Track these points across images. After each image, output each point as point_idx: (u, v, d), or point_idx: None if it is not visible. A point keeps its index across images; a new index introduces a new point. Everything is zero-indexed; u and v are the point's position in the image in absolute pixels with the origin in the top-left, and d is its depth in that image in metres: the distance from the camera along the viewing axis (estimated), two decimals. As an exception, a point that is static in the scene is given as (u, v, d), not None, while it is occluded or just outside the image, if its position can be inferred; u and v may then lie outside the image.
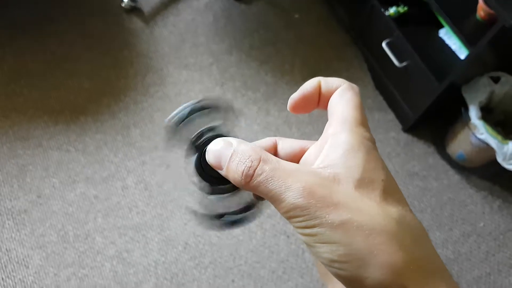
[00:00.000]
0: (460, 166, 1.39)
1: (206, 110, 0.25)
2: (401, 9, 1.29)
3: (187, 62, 1.55)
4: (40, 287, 1.12)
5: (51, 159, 1.31)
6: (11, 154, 1.30)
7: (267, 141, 0.29)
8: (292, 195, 0.20)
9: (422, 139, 1.47)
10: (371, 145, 0.23)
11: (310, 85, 0.26)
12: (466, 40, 1.08)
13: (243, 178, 0.22)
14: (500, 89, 1.27)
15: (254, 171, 0.22)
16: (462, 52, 1.24)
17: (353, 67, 1.60)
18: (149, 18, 1.64)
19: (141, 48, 1.57)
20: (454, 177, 1.42)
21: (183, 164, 0.26)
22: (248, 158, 0.22)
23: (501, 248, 1.34)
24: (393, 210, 0.21)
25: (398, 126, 1.50)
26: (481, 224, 1.36)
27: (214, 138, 0.24)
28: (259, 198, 0.27)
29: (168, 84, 1.49)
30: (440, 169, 1.43)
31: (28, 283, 1.12)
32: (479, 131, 1.22)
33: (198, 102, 0.25)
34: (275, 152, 0.28)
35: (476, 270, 1.29)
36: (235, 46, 1.61)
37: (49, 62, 1.48)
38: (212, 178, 0.25)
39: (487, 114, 1.34)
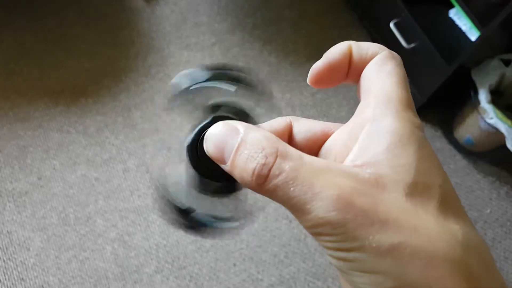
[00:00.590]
0: (468, 151, 1.36)
1: (231, 83, 0.19)
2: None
3: (189, 42, 1.51)
4: (41, 269, 1.12)
5: (52, 141, 1.30)
6: (12, 136, 1.29)
7: (280, 122, 0.22)
8: (322, 206, 0.15)
9: (429, 122, 1.44)
10: (423, 136, 0.18)
11: (338, 50, 0.20)
12: (478, 20, 1.04)
13: (254, 179, 0.17)
14: (511, 72, 1.22)
15: (270, 170, 0.16)
16: (472, 34, 1.19)
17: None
18: (150, -3, 1.60)
19: (142, 27, 1.53)
20: (461, 162, 1.39)
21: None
22: (262, 152, 0.17)
23: (508, 235, 1.32)
24: (456, 228, 0.16)
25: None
26: (488, 211, 1.34)
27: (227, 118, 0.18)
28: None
29: (170, 65, 1.46)
30: (447, 153, 1.40)
31: (29, 265, 1.12)
32: (489, 115, 1.18)
33: (223, 69, 0.18)
34: (289, 137, 0.22)
35: (480, 256, 1.28)
36: (238, 26, 1.57)
37: (48, 42, 1.46)
38: (207, 171, 0.19)
39: (497, 97, 1.30)
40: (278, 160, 0.16)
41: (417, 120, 0.18)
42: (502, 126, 1.15)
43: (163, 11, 1.57)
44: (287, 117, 0.23)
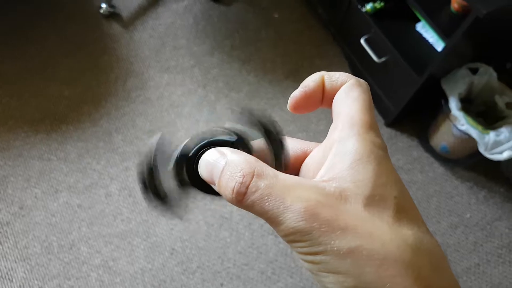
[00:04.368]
0: (444, 158, 1.40)
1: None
2: (378, 4, 1.30)
3: (168, 65, 1.54)
4: (24, 300, 1.10)
5: (33, 169, 1.29)
6: (-9, 166, 1.28)
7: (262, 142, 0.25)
8: (292, 218, 0.18)
9: (405, 132, 1.48)
10: (383, 154, 0.20)
11: (312, 81, 0.23)
12: (442, 32, 1.09)
13: (234, 196, 0.19)
14: (479, 80, 1.28)
15: (247, 188, 0.19)
16: (439, 45, 1.24)
17: (334, 64, 1.60)
18: (129, 23, 1.62)
19: (121, 53, 1.56)
20: (439, 169, 1.42)
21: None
22: (240, 172, 0.19)
23: (489, 238, 1.35)
24: (408, 234, 0.18)
25: (381, 121, 1.50)
26: (468, 215, 1.37)
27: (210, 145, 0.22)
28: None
29: (150, 88, 1.48)
30: (425, 161, 1.44)
31: (12, 296, 1.10)
32: (460, 122, 1.22)
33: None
34: None
35: (465, 261, 1.30)
36: (216, 47, 1.60)
37: (28, 70, 1.46)
38: (202, 186, 0.22)
39: (467, 105, 1.35)
40: (254, 179, 0.19)
41: (378, 140, 0.20)
42: (473, 132, 1.20)
43: (142, 36, 1.60)
44: None
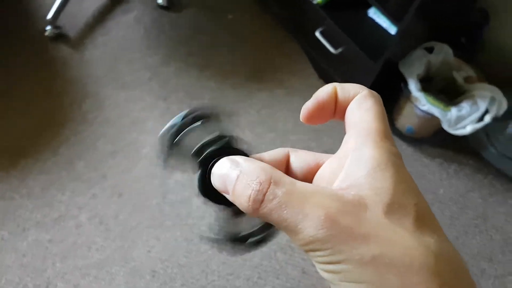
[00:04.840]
0: (411, 139, 1.42)
1: (198, 122, 0.22)
2: (328, -5, 1.29)
3: (124, 81, 1.49)
4: None
5: (-5, 210, 1.23)
6: (-51, 213, 1.21)
7: (279, 152, 0.25)
8: (312, 226, 0.18)
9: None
10: (399, 162, 0.20)
11: (324, 92, 0.23)
12: (392, 17, 1.09)
13: (250, 204, 0.19)
14: (435, 58, 1.29)
15: (264, 195, 0.19)
16: (392, 29, 1.25)
17: (294, 60, 1.59)
18: (77, 43, 1.56)
19: (73, 74, 1.49)
20: (407, 150, 1.44)
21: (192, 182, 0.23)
22: (256, 180, 0.19)
23: (463, 210, 1.38)
24: (430, 241, 0.18)
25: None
26: (441, 191, 1.40)
27: (218, 152, 0.21)
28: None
29: (107, 108, 1.42)
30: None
31: None
32: (421, 102, 1.24)
33: (187, 114, 0.22)
34: (287, 166, 0.25)
35: (443, 236, 1.32)
36: (172, 56, 1.56)
37: (-24, 106, 1.39)
38: (222, 200, 0.22)
39: (427, 84, 1.36)
40: (272, 186, 0.19)
41: (394, 148, 0.21)
42: (435, 111, 1.21)
43: (93, 55, 1.54)
44: (286, 148, 0.25)
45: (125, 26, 1.61)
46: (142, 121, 1.41)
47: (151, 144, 1.38)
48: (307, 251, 0.18)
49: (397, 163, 0.20)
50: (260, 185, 0.19)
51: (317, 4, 1.30)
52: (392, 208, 0.18)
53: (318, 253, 0.18)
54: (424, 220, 0.19)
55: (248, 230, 0.22)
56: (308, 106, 0.23)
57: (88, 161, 1.32)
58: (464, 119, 1.20)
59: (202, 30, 1.63)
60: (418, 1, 0.99)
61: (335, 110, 0.23)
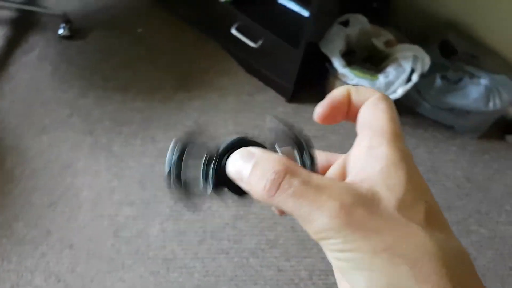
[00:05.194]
0: (350, 113, 1.43)
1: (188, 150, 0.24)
2: (234, -10, 1.25)
3: (43, 124, 1.37)
4: None
5: None
6: None
7: (290, 151, 0.25)
8: (326, 215, 0.18)
9: (307, 102, 1.48)
10: (411, 161, 0.21)
11: (339, 93, 0.24)
12: (301, 1, 1.07)
13: (265, 192, 0.20)
14: (353, 31, 1.30)
15: (280, 184, 0.19)
16: (305, 12, 1.24)
17: (218, 60, 1.54)
18: (-21, 95, 1.41)
19: (-16, 131, 1.35)
20: (347, 124, 1.46)
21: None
22: (272, 169, 0.20)
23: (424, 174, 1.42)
24: (440, 237, 0.19)
25: (282, 99, 1.49)
26: (388, 155, 1.43)
27: (232, 146, 0.22)
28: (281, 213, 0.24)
29: (32, 158, 1.31)
30: (335, 126, 1.46)
31: None
32: (349, 78, 1.24)
33: (175, 149, 0.23)
34: None
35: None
36: (88, 86, 1.46)
37: None
38: (230, 185, 0.22)
39: (351, 57, 1.37)
40: (287, 176, 0.19)
41: (406, 149, 0.21)
42: (364, 83, 1.22)
43: (2, 106, 1.40)
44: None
45: (30, 67, 1.47)
46: (73, 163, 1.31)
47: (89, 185, 1.29)
48: (319, 239, 0.19)
49: (409, 162, 0.20)
50: (276, 174, 0.19)
51: (225, 1, 1.25)
52: (404, 204, 0.19)
53: (331, 241, 0.18)
54: (434, 217, 0.19)
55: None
56: (322, 106, 0.24)
57: (26, 220, 1.21)
58: (393, 84, 1.23)
59: (113, 51, 1.54)
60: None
61: (348, 111, 0.24)
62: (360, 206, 0.18)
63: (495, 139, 1.51)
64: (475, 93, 1.28)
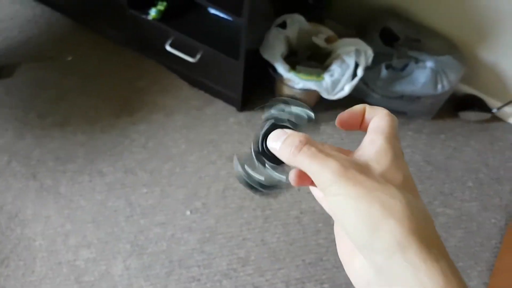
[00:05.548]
0: (302, 114, 1.40)
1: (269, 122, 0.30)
2: (161, 6, 1.17)
3: (-21, 177, 1.26)
4: None
5: None
6: None
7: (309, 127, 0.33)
8: (330, 171, 0.24)
9: (260, 109, 1.44)
10: (401, 154, 0.27)
11: (357, 108, 0.29)
12: (231, 12, 1.02)
13: (291, 154, 0.26)
14: (291, 31, 1.26)
15: (301, 149, 0.25)
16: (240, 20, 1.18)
17: (158, 77, 1.47)
18: None
19: None
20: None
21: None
22: (297, 139, 0.26)
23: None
24: (410, 196, 0.24)
25: (233, 109, 1.43)
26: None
27: (273, 128, 0.29)
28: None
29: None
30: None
31: None
32: (295, 82, 1.20)
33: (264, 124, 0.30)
34: None
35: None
36: (23, 127, 1.35)
37: None
38: (270, 157, 0.29)
39: (295, 58, 1.33)
40: (307, 145, 0.26)
41: (398, 145, 0.27)
42: (310, 85, 1.19)
43: None
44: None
45: (-46, 113, 1.35)
46: (20, 212, 1.22)
47: (41, 233, 1.20)
48: (323, 188, 0.25)
49: (398, 153, 0.26)
50: (300, 142, 0.26)
51: (153, 19, 1.18)
52: (387, 173, 0.25)
53: (331, 187, 0.24)
54: (409, 185, 0.25)
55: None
56: (342, 114, 0.29)
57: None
58: (339, 82, 1.20)
59: (45, 84, 1.43)
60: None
61: (362, 123, 0.29)
62: (354, 168, 0.24)
63: (449, 117, 1.52)
64: (422, 77, 1.27)
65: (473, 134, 1.51)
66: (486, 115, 1.48)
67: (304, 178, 0.27)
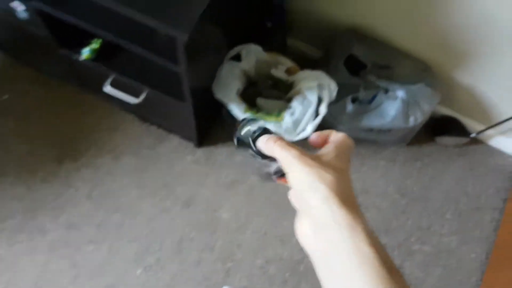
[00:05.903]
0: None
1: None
2: (96, 44, 1.02)
3: None
4: None
5: None
6: None
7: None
8: (291, 155, 0.33)
9: (219, 142, 1.32)
10: (346, 159, 0.35)
11: (326, 132, 0.37)
12: (169, 60, 0.88)
13: (267, 143, 0.36)
14: (248, 64, 1.12)
15: (275, 142, 0.35)
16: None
17: (104, 114, 1.32)
18: None
19: None
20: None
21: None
22: (274, 138, 0.36)
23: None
24: (341, 176, 0.32)
25: (190, 145, 1.30)
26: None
27: (260, 134, 0.38)
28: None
29: None
30: (252, 163, 1.30)
31: None
32: (256, 124, 1.08)
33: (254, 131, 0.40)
34: None
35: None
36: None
37: None
38: (261, 154, 0.38)
39: (255, 88, 1.21)
40: (279, 141, 0.35)
41: (348, 155, 0.36)
42: (270, 127, 1.06)
43: None
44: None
45: None
46: None
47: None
48: (287, 167, 0.34)
49: (342, 156, 0.35)
50: (274, 139, 0.36)
51: (87, 59, 1.03)
52: (330, 162, 0.33)
53: (291, 167, 0.33)
54: (344, 173, 0.33)
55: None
56: (313, 136, 0.37)
57: None
58: (300, 121, 1.07)
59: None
60: (182, 46, 0.78)
61: (325, 142, 0.37)
62: (308, 156, 0.33)
63: (425, 142, 1.41)
64: (392, 110, 1.15)
65: (451, 160, 1.40)
66: (465, 140, 1.38)
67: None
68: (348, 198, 0.31)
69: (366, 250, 0.29)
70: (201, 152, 1.31)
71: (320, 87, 1.10)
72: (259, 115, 1.07)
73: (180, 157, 1.30)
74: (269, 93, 1.22)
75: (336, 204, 0.30)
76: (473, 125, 1.38)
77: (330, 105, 1.10)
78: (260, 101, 1.19)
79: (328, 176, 0.31)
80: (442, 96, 1.23)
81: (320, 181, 0.31)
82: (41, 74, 1.33)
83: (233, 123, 1.14)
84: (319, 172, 0.31)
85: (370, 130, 1.21)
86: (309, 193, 0.31)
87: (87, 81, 1.21)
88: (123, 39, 0.90)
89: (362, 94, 1.16)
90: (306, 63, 1.20)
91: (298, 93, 1.13)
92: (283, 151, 0.33)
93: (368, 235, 0.30)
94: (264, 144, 0.36)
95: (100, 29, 0.90)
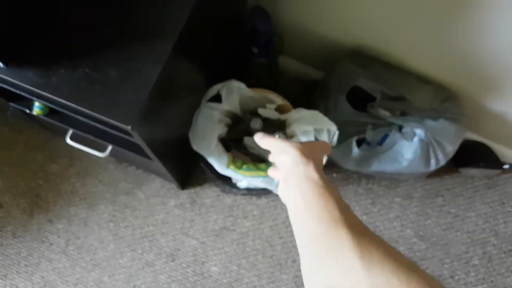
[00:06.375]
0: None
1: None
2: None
3: None
4: None
5: None
6: None
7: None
8: (276, 140, 0.46)
9: (205, 183, 1.16)
10: (313, 147, 0.47)
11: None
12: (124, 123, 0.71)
13: (262, 137, 0.48)
14: (229, 103, 0.94)
15: (269, 136, 0.48)
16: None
17: (77, 156, 1.18)
18: None
19: None
20: (260, 204, 1.14)
21: None
22: (266, 134, 0.48)
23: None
24: (308, 149, 0.44)
25: (173, 187, 1.15)
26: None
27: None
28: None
29: None
30: (244, 205, 1.14)
31: None
32: (237, 179, 0.91)
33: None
34: None
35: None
36: None
37: None
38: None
39: (243, 123, 1.03)
40: (270, 136, 0.48)
41: (320, 156, 0.48)
42: (257, 182, 0.89)
43: None
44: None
45: None
46: None
47: None
48: (276, 154, 0.46)
49: (309, 147, 0.45)
50: (267, 135, 0.48)
51: (39, 114, 0.87)
52: (307, 159, 0.42)
53: (277, 158, 0.46)
54: (320, 167, 0.43)
55: None
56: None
57: None
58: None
59: None
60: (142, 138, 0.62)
61: None
62: (303, 145, 0.44)
63: (447, 173, 1.21)
64: (408, 153, 0.96)
65: (478, 194, 1.20)
66: (497, 171, 1.17)
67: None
68: (310, 158, 0.43)
69: (314, 175, 0.40)
70: (185, 194, 1.16)
71: (317, 130, 0.91)
72: (243, 171, 0.89)
73: (162, 202, 1.15)
74: (254, 128, 1.04)
75: (299, 158, 0.42)
76: (506, 153, 1.16)
77: (332, 148, 0.92)
78: (248, 140, 1.01)
79: (297, 144, 0.43)
80: (469, 120, 1.02)
81: (291, 145, 0.43)
82: (2, 116, 1.18)
83: (215, 175, 0.97)
84: (291, 143, 0.44)
85: (383, 173, 1.02)
86: (283, 156, 0.43)
87: (50, 128, 1.06)
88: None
89: (370, 134, 0.96)
90: (303, 84, 1.02)
91: (292, 136, 0.94)
92: (283, 143, 0.45)
93: (318, 171, 0.41)
94: (260, 139, 0.48)
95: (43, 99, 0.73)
